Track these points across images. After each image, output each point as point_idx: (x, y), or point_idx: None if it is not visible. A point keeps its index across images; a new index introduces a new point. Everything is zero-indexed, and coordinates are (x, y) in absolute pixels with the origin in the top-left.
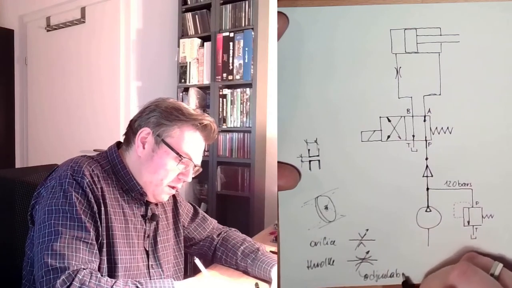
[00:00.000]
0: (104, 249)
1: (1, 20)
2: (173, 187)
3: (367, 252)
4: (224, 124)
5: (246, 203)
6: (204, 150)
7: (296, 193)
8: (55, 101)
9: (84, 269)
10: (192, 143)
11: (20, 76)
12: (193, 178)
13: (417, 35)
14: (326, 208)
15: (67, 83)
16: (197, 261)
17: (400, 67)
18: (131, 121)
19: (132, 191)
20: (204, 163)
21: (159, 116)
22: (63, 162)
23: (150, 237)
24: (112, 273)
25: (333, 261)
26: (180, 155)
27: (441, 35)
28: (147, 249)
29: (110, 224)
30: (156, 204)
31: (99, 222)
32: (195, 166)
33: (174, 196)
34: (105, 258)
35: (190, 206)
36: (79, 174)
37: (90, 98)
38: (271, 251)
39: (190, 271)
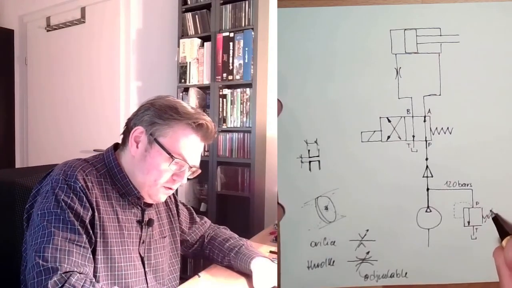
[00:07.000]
0: (100, 256)
1: (1, 20)
2: (169, 188)
3: (368, 253)
4: (224, 124)
5: (246, 203)
6: (204, 150)
7: (296, 193)
8: (55, 101)
9: (78, 272)
10: (186, 144)
11: (20, 76)
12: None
13: (417, 36)
14: (326, 208)
15: (67, 83)
16: None
17: (400, 68)
18: (128, 119)
19: (129, 195)
20: (204, 163)
21: (153, 114)
22: (58, 166)
23: (145, 243)
24: (109, 280)
25: (334, 262)
26: (172, 156)
27: (441, 35)
28: (142, 255)
29: (103, 231)
30: (150, 205)
31: (92, 227)
32: (190, 167)
33: (171, 201)
34: (102, 265)
35: (186, 211)
36: (72, 178)
37: (90, 98)
38: (271, 251)
39: (190, 271)
